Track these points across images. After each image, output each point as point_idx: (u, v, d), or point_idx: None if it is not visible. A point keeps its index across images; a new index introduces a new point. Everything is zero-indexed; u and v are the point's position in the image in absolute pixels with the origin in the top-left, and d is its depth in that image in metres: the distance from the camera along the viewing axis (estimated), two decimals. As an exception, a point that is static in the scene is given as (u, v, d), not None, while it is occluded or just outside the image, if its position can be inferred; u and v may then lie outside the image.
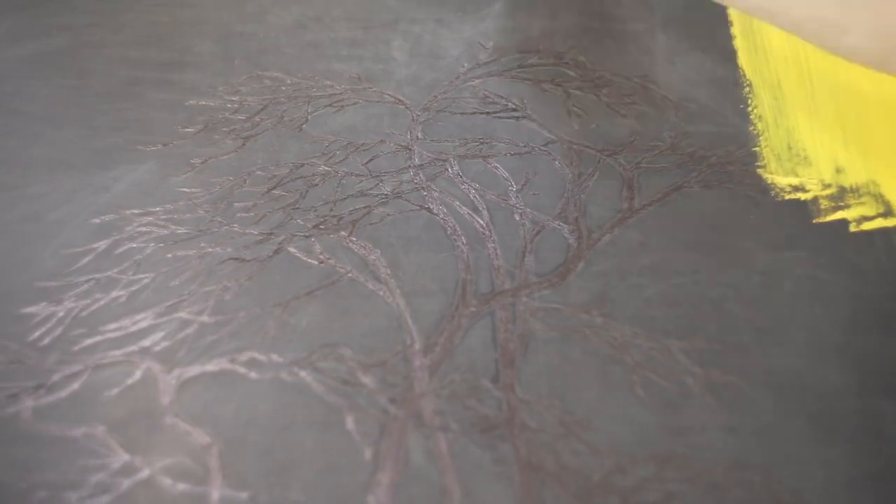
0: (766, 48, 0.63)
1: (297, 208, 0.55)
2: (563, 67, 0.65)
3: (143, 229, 0.54)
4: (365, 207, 0.55)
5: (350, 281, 0.51)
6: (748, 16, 0.61)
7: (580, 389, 0.46)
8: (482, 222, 0.54)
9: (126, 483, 0.42)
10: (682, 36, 0.66)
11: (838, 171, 0.55)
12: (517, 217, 0.55)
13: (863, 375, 0.46)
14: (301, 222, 0.54)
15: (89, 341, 0.48)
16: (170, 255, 0.52)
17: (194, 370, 0.47)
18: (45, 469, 0.42)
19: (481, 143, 0.60)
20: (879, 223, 0.53)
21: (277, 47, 0.68)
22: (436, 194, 0.56)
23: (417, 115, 0.62)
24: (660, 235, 0.53)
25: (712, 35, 0.66)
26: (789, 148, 0.57)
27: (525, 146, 0.59)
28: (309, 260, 0.52)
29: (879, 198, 0.54)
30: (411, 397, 0.45)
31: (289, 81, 0.65)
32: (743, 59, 0.64)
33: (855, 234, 0.53)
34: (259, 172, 0.58)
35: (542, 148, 0.59)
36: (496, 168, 0.58)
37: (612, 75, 0.64)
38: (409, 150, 0.59)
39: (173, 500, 0.41)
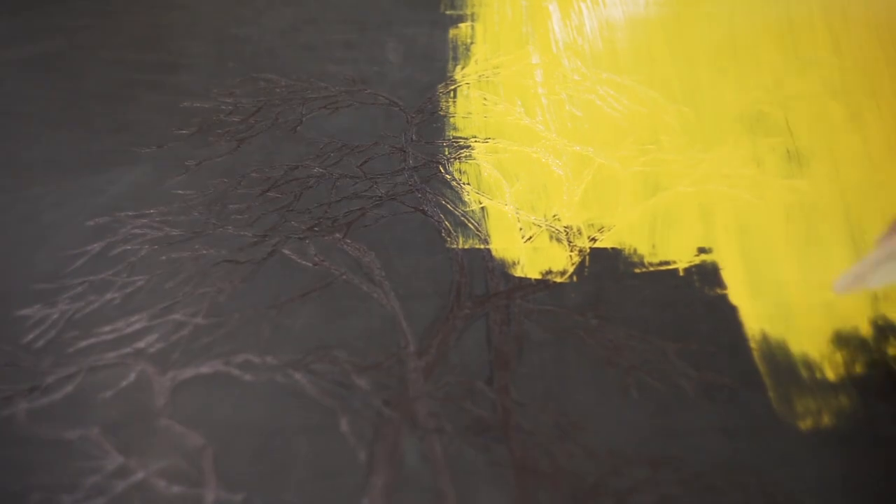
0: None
1: (292, 210, 0.55)
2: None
3: (138, 231, 0.54)
4: (359, 209, 0.55)
5: (344, 283, 0.51)
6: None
7: (575, 391, 0.46)
8: (476, 223, 0.54)
9: (120, 485, 0.42)
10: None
11: None
12: (510, 217, 0.55)
13: (857, 376, 0.46)
14: (295, 224, 0.54)
15: (83, 343, 0.48)
16: (164, 258, 0.52)
17: (189, 372, 0.47)
18: (40, 471, 0.42)
19: (476, 143, 0.60)
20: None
21: (272, 49, 0.68)
22: (430, 196, 0.56)
23: (412, 118, 0.62)
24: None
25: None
26: None
27: (526, 146, 0.59)
28: (303, 262, 0.52)
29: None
30: (406, 399, 0.45)
31: (283, 83, 0.65)
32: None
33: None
34: (253, 174, 0.58)
35: (534, 150, 0.59)
36: (491, 169, 0.58)
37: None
38: (404, 151, 0.59)
39: (168, 502, 0.41)
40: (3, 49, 0.67)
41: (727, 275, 0.52)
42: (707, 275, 0.51)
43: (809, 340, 0.48)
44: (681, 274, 0.52)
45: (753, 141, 0.58)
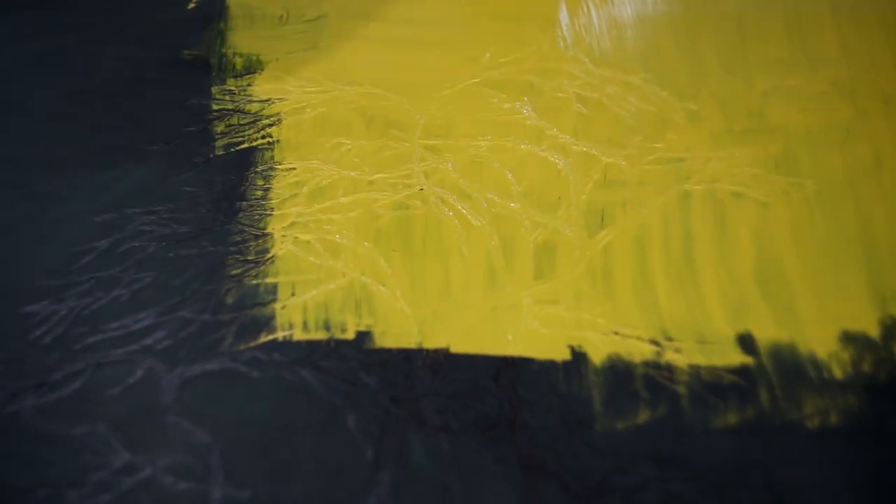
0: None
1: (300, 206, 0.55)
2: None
3: (145, 228, 0.54)
4: (368, 207, 0.55)
5: (353, 281, 0.51)
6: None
7: (581, 388, 0.46)
8: (482, 222, 0.54)
9: (127, 482, 0.42)
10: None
11: None
12: (518, 215, 0.55)
13: (865, 375, 0.46)
14: (303, 221, 0.54)
15: (91, 340, 0.48)
16: (171, 254, 0.52)
17: (196, 369, 0.47)
18: (47, 467, 0.42)
19: (485, 141, 0.60)
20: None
21: (281, 45, 0.68)
22: (438, 192, 0.56)
23: (419, 116, 0.62)
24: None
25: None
26: None
27: (533, 145, 0.59)
28: (311, 259, 0.52)
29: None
30: (413, 396, 0.45)
31: (291, 80, 0.65)
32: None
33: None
34: (260, 170, 0.58)
35: (539, 148, 0.59)
36: (498, 166, 0.58)
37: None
38: (412, 148, 0.59)
39: (174, 498, 0.41)
40: (10, 45, 0.67)
41: (736, 272, 0.52)
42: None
43: (817, 339, 0.48)
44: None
45: (762, 140, 0.57)
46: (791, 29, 0.64)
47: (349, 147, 0.57)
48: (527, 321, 0.49)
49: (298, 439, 0.44)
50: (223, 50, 0.63)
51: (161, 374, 0.46)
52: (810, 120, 0.59)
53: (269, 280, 0.51)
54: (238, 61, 0.63)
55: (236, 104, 0.60)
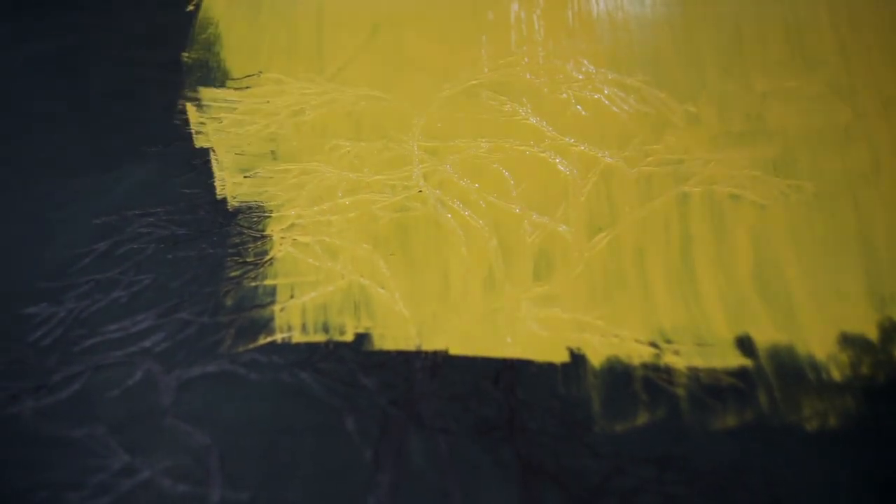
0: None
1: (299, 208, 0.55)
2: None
3: (144, 230, 0.54)
4: (367, 209, 0.55)
5: (352, 283, 0.51)
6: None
7: (580, 390, 0.46)
8: (482, 222, 0.54)
9: (126, 484, 0.42)
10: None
11: None
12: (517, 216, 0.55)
13: (863, 377, 0.46)
14: (302, 223, 0.54)
15: (90, 342, 0.48)
16: (170, 256, 0.52)
17: (195, 371, 0.47)
18: (46, 469, 0.42)
19: (484, 142, 0.60)
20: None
21: (279, 48, 0.68)
22: (437, 194, 0.56)
23: (418, 118, 0.62)
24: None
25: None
26: None
27: (533, 146, 0.59)
28: (310, 261, 0.52)
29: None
30: (412, 398, 0.45)
31: (290, 82, 0.65)
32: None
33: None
34: (260, 173, 0.58)
35: (538, 149, 0.59)
36: (497, 167, 0.58)
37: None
38: (411, 150, 0.59)
39: (173, 501, 0.41)
40: (9, 47, 0.67)
41: (734, 275, 0.52)
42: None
43: (816, 341, 0.48)
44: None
45: (760, 142, 0.57)
46: (789, 31, 0.64)
47: (348, 149, 0.57)
48: (526, 323, 0.49)
49: (297, 441, 0.44)
50: (222, 52, 0.63)
51: (160, 376, 0.46)
52: (809, 122, 0.59)
53: (268, 282, 0.51)
54: (236, 64, 0.62)
55: (235, 107, 0.60)
